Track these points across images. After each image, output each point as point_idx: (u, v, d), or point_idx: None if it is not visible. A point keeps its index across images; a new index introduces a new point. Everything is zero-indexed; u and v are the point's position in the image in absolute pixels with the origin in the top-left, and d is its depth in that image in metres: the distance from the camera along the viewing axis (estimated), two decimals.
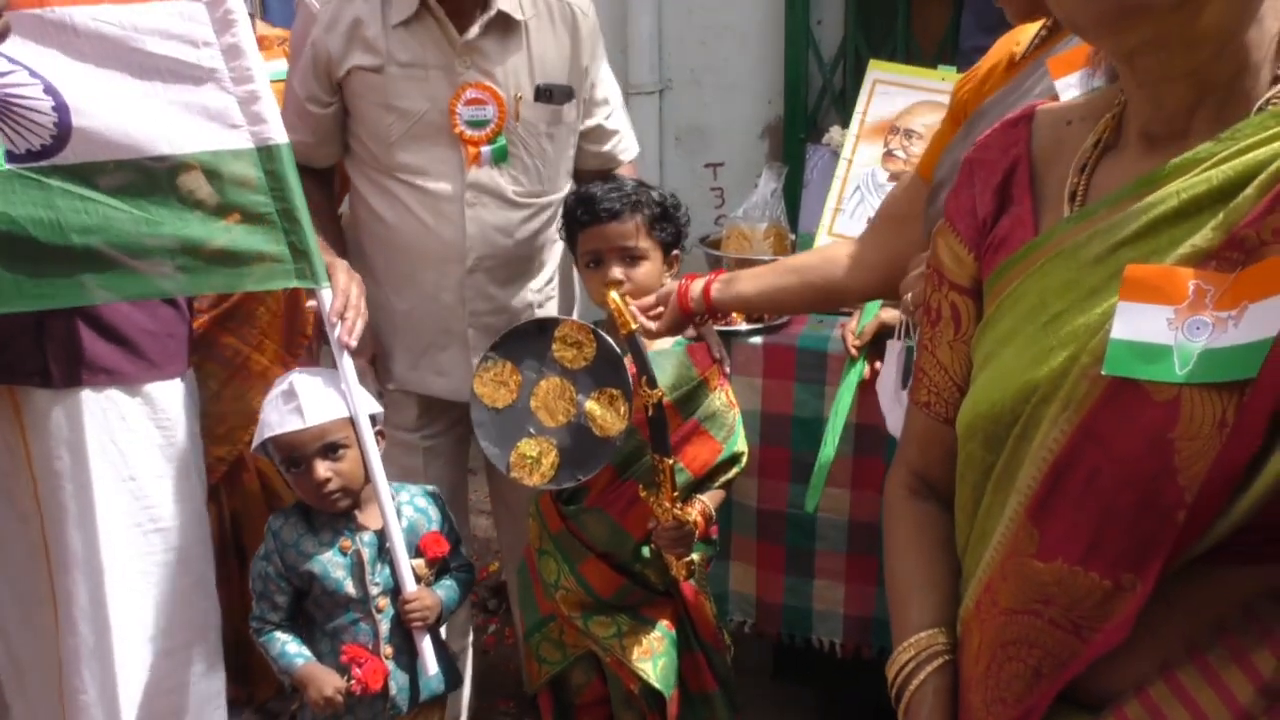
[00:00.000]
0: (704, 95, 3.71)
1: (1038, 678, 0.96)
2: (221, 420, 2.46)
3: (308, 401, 1.96)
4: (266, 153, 1.92)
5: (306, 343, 2.57)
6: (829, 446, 2.43)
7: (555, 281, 2.50)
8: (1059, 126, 1.10)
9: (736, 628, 2.58)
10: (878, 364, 2.29)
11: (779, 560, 2.58)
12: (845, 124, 2.95)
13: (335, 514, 2.03)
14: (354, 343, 1.98)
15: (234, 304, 2.47)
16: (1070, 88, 1.38)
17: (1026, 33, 1.58)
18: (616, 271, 2.09)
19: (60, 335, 1.81)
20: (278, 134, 1.93)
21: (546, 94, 2.28)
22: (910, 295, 1.60)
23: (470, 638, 2.73)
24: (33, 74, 1.73)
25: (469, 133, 2.23)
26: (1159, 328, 0.89)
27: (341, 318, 1.98)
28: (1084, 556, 0.92)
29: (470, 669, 2.72)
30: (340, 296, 1.98)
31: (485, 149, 2.25)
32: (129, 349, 1.87)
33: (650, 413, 1.92)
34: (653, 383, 1.91)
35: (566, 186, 2.42)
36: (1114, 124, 1.05)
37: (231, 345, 2.47)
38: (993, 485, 1.01)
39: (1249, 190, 0.89)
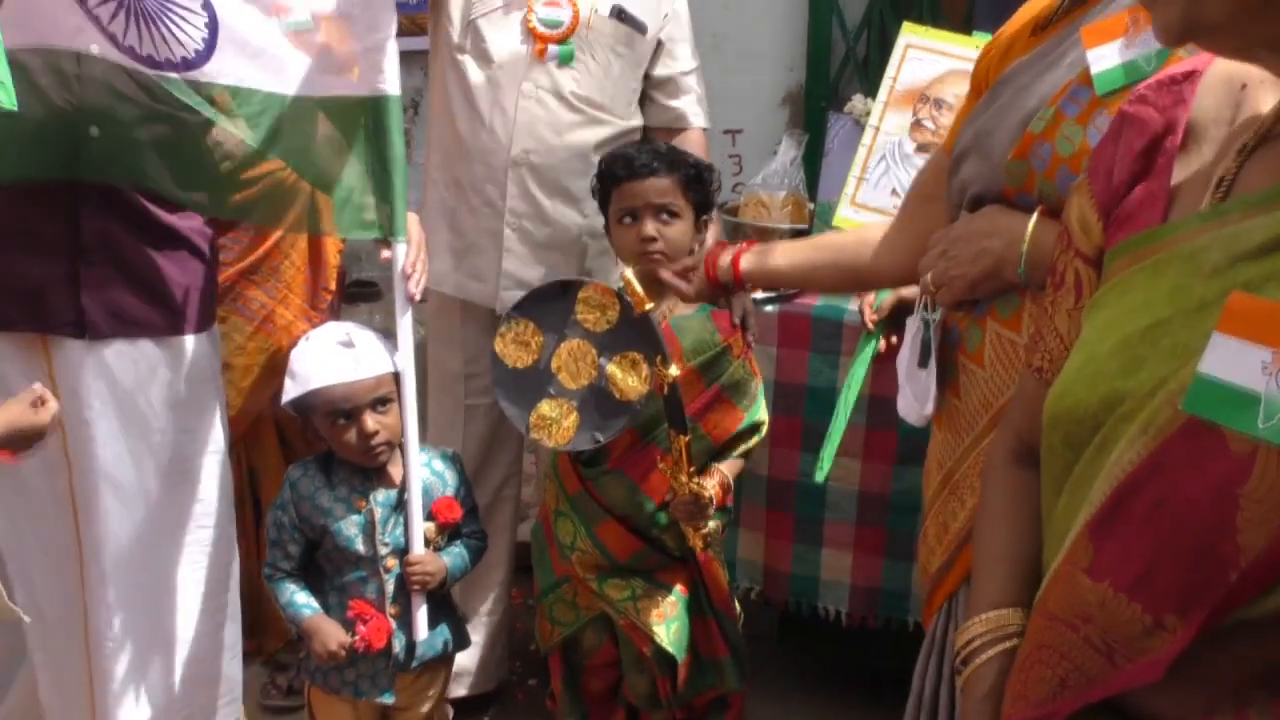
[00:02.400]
0: (725, 61, 3.68)
1: (1063, 687, 0.92)
2: (246, 374, 2.46)
3: (364, 353, 1.98)
4: (376, 103, 1.94)
5: (330, 297, 2.58)
6: (841, 418, 2.44)
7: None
8: (1231, 90, 0.93)
9: (743, 594, 2.59)
10: (894, 339, 2.28)
11: (788, 528, 2.59)
12: (868, 93, 2.91)
13: (355, 470, 2.04)
14: (419, 297, 2.03)
15: (260, 257, 2.47)
16: (1103, 59, 1.32)
17: None
18: (650, 227, 2.08)
19: (97, 286, 1.80)
20: (391, 86, 1.94)
21: (619, 14, 2.43)
22: (930, 275, 1.54)
23: (505, 603, 2.70)
24: None
25: (541, 29, 2.39)
26: (1251, 371, 0.79)
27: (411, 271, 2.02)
28: (1132, 586, 0.86)
29: (494, 630, 2.69)
30: (414, 248, 2.02)
31: (553, 47, 2.39)
32: (161, 301, 1.86)
33: (665, 392, 1.92)
34: (667, 362, 1.91)
35: (628, 119, 2.49)
36: None
37: (257, 299, 2.47)
38: (1070, 486, 0.95)
39: None
